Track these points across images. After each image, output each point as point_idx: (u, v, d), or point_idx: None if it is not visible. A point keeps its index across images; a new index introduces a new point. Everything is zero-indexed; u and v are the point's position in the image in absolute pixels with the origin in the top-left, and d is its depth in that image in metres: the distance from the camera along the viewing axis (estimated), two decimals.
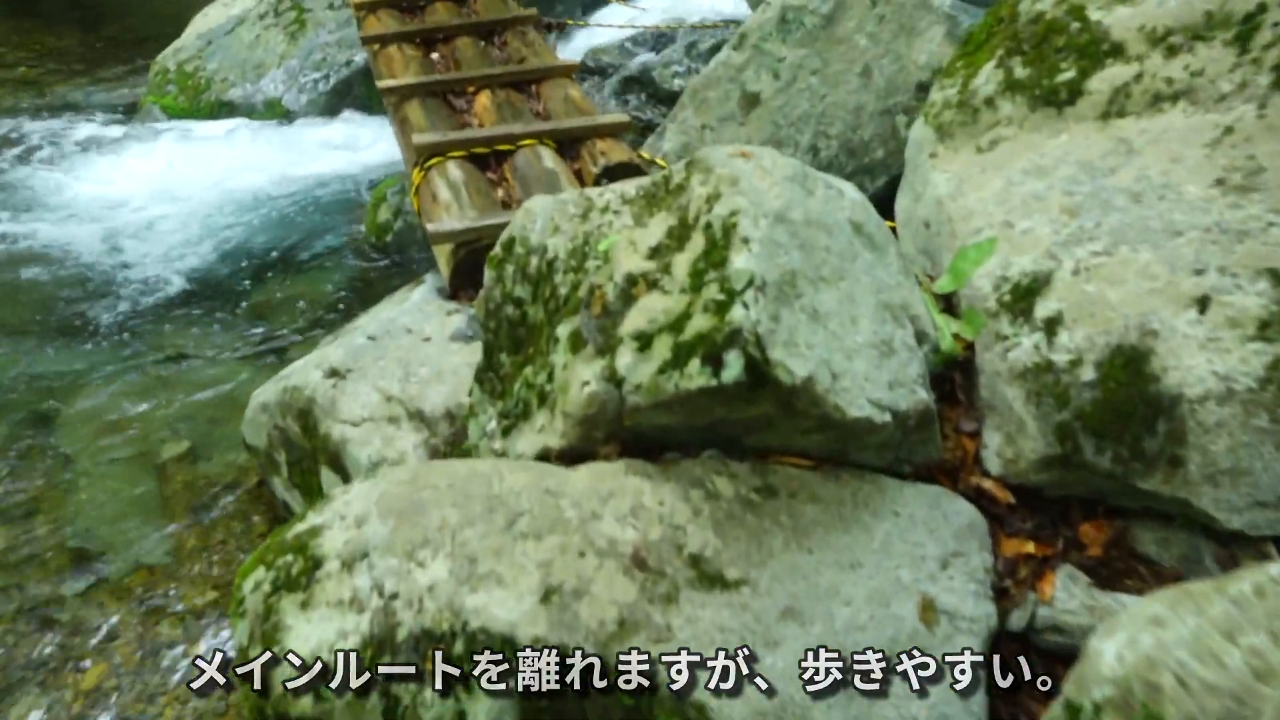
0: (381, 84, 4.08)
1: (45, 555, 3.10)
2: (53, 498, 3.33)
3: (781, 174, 2.08)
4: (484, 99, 4.05)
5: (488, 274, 2.22)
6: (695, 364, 1.78)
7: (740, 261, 1.86)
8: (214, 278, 4.57)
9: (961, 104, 2.60)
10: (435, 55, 4.58)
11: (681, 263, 1.99)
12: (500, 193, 3.51)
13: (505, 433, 2.08)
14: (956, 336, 2.24)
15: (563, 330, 2.05)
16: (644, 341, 1.89)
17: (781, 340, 1.81)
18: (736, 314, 1.78)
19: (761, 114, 3.70)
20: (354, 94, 6.13)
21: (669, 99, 4.98)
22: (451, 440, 2.51)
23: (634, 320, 1.94)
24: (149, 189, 5.17)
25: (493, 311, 2.20)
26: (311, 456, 2.74)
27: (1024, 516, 2.11)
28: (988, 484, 2.13)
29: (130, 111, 6.49)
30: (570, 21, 5.44)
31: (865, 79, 3.65)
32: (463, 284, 3.14)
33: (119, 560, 3.01)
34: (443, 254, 3.17)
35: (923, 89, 3.63)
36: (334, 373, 2.77)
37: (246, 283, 4.55)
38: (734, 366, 1.75)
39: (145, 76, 6.87)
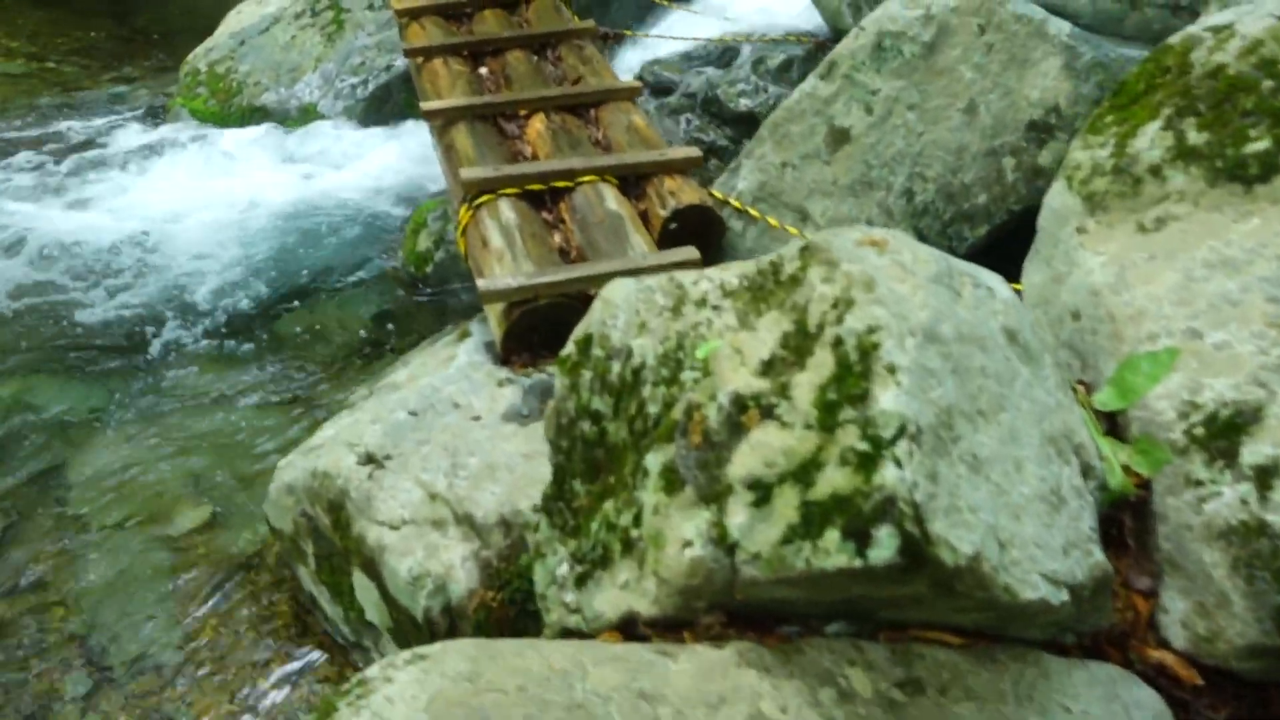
0: (426, 105, 3.71)
1: (48, 640, 2.78)
2: (59, 569, 3.00)
3: (925, 273, 1.69)
4: (537, 124, 3.67)
5: (559, 381, 1.84)
6: (833, 536, 1.40)
7: (887, 400, 1.48)
8: (238, 305, 4.23)
9: (1117, 170, 2.20)
10: (484, 70, 4.21)
11: (804, 387, 1.60)
12: (557, 238, 3.14)
13: (580, 582, 1.71)
14: (1128, 470, 1.84)
15: (653, 461, 1.67)
16: (761, 493, 1.52)
17: (942, 507, 1.43)
18: (888, 476, 1.40)
19: (851, 152, 3.30)
20: (394, 101, 5.77)
21: (734, 120, 4.58)
22: (507, 554, 2.15)
23: (746, 460, 1.56)
24: (172, 203, 4.83)
25: (565, 428, 1.82)
26: (343, 556, 2.39)
27: (1215, 703, 1.72)
28: (1169, 660, 1.73)
29: (158, 114, 6.17)
30: (629, 32, 5.05)
31: (969, 116, 3.24)
32: (517, 348, 2.78)
33: (127, 655, 2.67)
34: (494, 313, 2.81)
35: (1034, 128, 3.22)
36: (370, 459, 2.41)
37: (272, 312, 4.21)
38: (886, 546, 1.37)
39: (175, 75, 6.55)
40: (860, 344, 1.58)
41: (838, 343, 1.62)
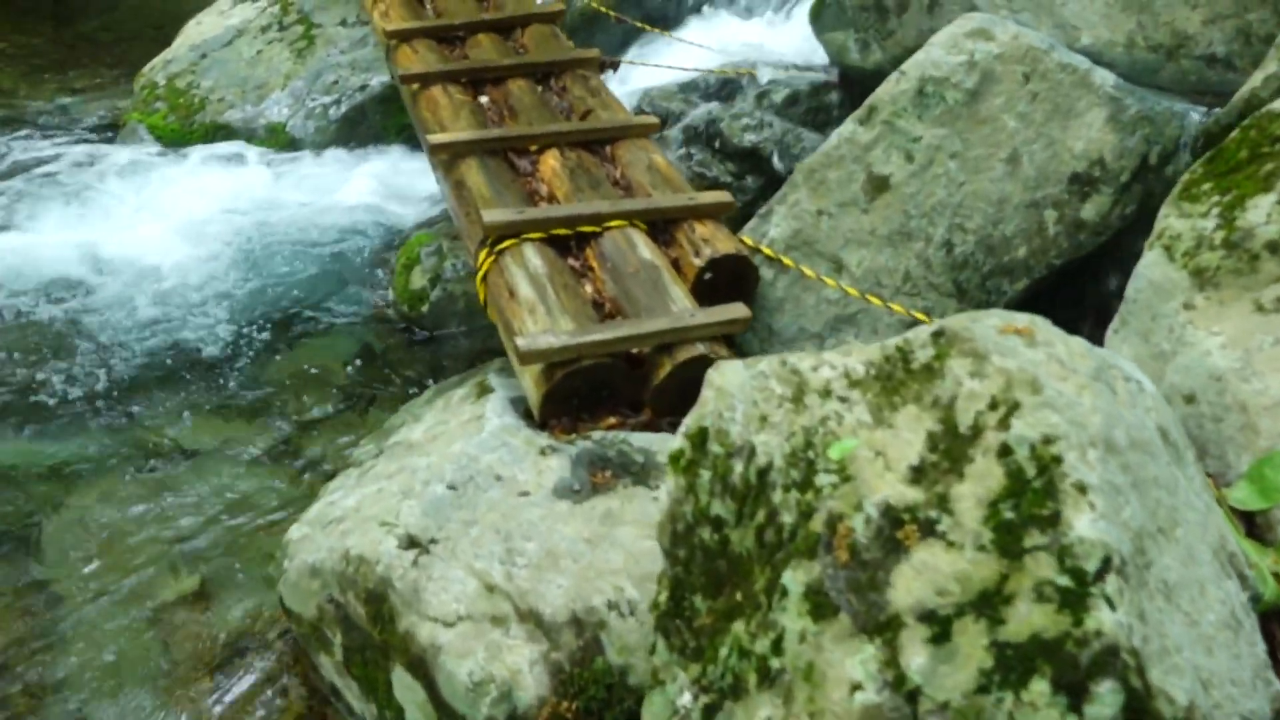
0: (433, 139, 3.48)
1: None
2: (35, 649, 2.69)
3: (1085, 369, 1.54)
4: (551, 161, 3.46)
5: (672, 481, 1.65)
6: (1041, 689, 1.24)
7: (1084, 526, 1.32)
8: (213, 349, 3.94)
9: (1229, 244, 2.08)
10: (485, 99, 3.99)
11: (968, 500, 1.44)
12: (589, 288, 2.94)
13: (707, 714, 1.52)
14: (1278, 577, 1.72)
15: (792, 579, 1.49)
16: (938, 628, 1.34)
17: (1155, 652, 1.27)
18: (1105, 620, 1.23)
19: (890, 201, 3.16)
20: (368, 122, 5.50)
21: (737, 155, 4.43)
22: (580, 657, 1.94)
23: (911, 586, 1.39)
24: (131, 232, 4.50)
25: (681, 535, 1.63)
26: (381, 650, 2.15)
27: None
28: None
29: (110, 130, 5.80)
30: (629, 61, 4.88)
31: (1011, 166, 3.13)
32: (556, 413, 2.57)
33: None
34: (532, 374, 2.60)
35: (1077, 181, 3.12)
36: (413, 542, 2.18)
37: (251, 356, 3.92)
38: (1108, 703, 1.21)
39: (128, 87, 6.18)
40: (1037, 455, 1.42)
41: (1005, 451, 1.46)
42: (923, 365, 1.64)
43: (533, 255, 2.95)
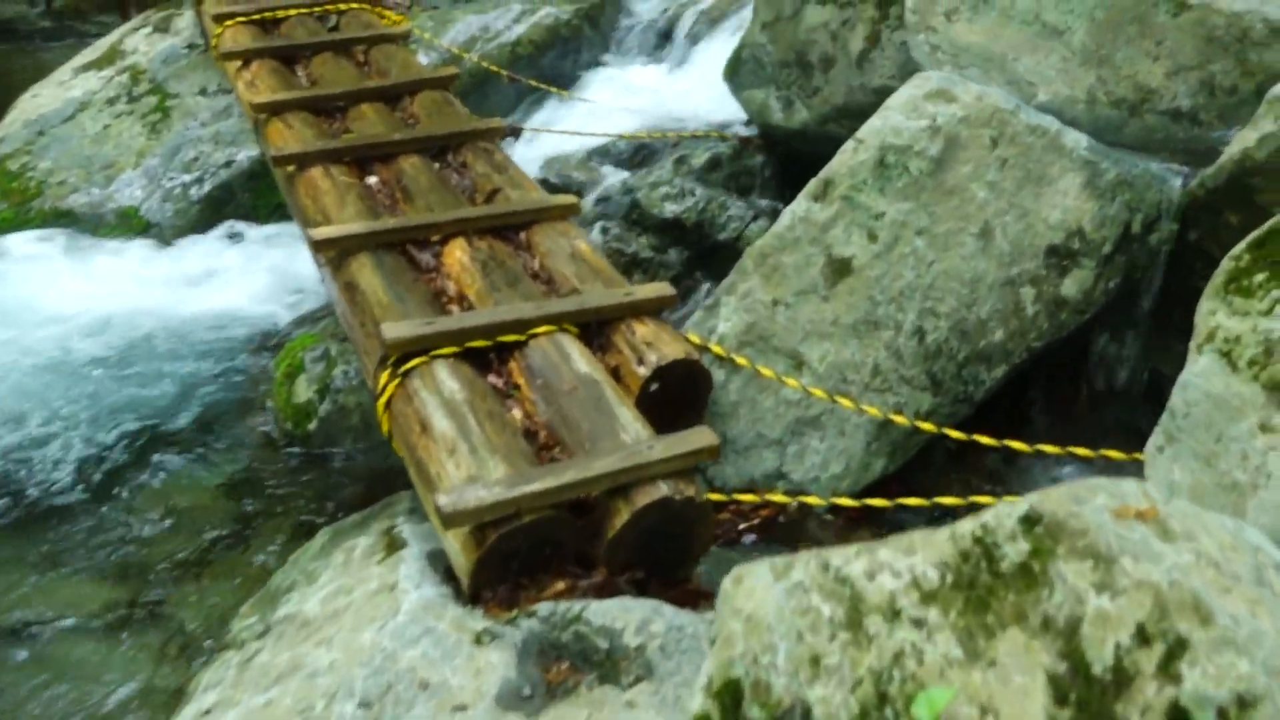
0: (316, 234, 2.95)
1: None
2: None
3: (1244, 570, 1.14)
4: (458, 253, 2.98)
5: None
6: None
7: None
8: (54, 490, 3.29)
9: None
10: (373, 179, 3.48)
11: None
12: (517, 412, 2.45)
13: None
14: None
15: None
16: None
17: None
18: None
19: (854, 286, 2.77)
20: (236, 202, 4.90)
21: (658, 228, 4.01)
22: None
23: None
24: None
25: None
26: None
27: None
28: None
29: None
30: (533, 129, 4.42)
31: (984, 241, 2.78)
32: (491, 581, 2.07)
33: None
34: (459, 537, 2.09)
35: (1055, 254, 2.79)
36: None
37: (102, 496, 3.28)
38: None
39: None
40: None
41: (1178, 713, 1.03)
42: (1016, 566, 1.22)
43: (447, 377, 2.45)
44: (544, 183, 4.29)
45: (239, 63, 4.32)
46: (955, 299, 2.78)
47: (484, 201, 3.34)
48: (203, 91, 5.21)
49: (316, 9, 4.86)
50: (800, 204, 2.80)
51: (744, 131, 4.31)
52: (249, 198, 4.89)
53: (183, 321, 4.12)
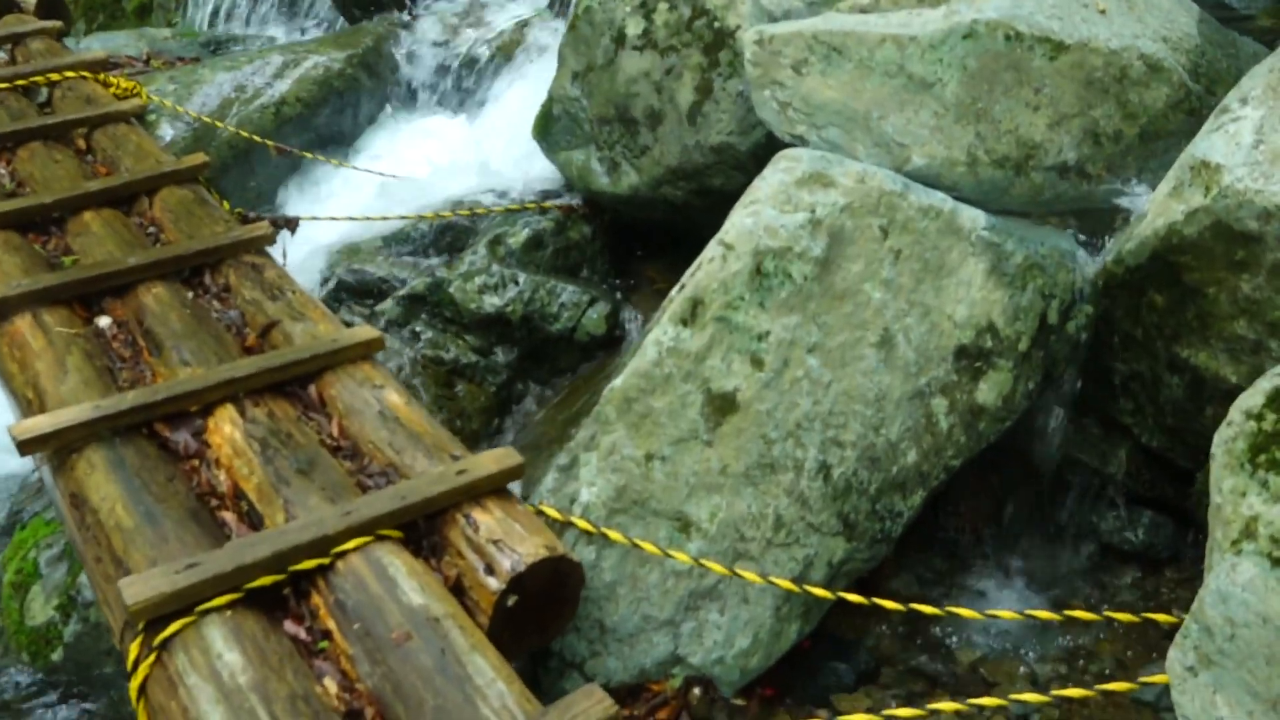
0: (23, 431, 2.17)
1: None
2: None
3: None
4: (226, 427, 2.27)
5: None
6: None
7: None
8: None
9: None
10: (105, 322, 2.69)
11: None
12: (331, 683, 1.78)
13: None
14: None
15: None
16: None
17: None
18: None
19: (741, 425, 2.24)
20: None
21: (480, 326, 3.38)
22: None
23: None
24: None
25: None
26: None
27: None
28: None
29: None
30: (311, 217, 3.65)
31: (885, 350, 2.32)
32: None
33: None
34: None
35: (965, 356, 2.36)
36: None
37: None
38: None
39: None
40: None
41: None
42: None
43: (224, 645, 1.75)
44: (334, 283, 3.58)
45: None
46: (860, 423, 2.30)
47: (257, 340, 2.63)
48: None
49: (21, 81, 3.94)
50: (665, 331, 2.25)
51: (564, 199, 3.72)
52: None
53: None
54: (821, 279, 2.28)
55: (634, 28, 3.57)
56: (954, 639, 2.41)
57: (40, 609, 2.61)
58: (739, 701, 2.32)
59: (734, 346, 2.24)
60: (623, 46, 3.58)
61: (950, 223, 2.36)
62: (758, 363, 2.24)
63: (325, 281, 3.57)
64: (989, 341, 2.35)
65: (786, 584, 2.14)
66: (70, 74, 4.01)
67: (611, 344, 3.44)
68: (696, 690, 2.30)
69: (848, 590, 2.24)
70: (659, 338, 2.23)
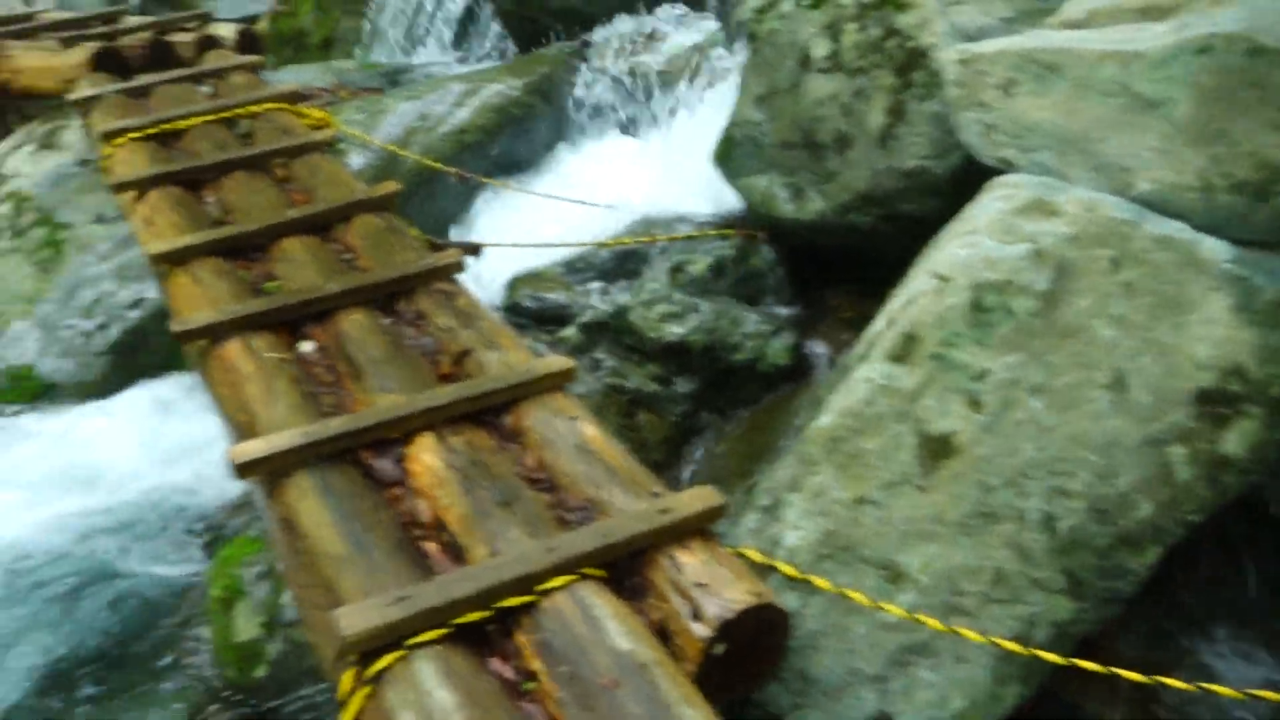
0: (241, 454, 2.23)
1: None
2: None
3: None
4: (427, 456, 2.27)
5: None
6: None
7: None
8: None
9: None
10: (307, 347, 2.76)
11: None
12: None
13: None
14: None
15: None
16: None
17: None
18: None
19: (958, 470, 2.11)
20: (149, 349, 4.14)
21: (662, 355, 3.34)
22: None
23: None
24: None
25: None
26: None
27: None
28: None
29: None
30: (493, 244, 3.70)
31: (1117, 393, 2.14)
32: None
33: None
34: None
35: (1208, 401, 2.15)
36: None
37: None
38: None
39: None
40: None
41: None
42: None
43: (435, 683, 1.74)
44: (515, 308, 3.61)
45: (133, 193, 3.58)
46: (1088, 471, 2.13)
47: (451, 368, 2.64)
48: (99, 218, 4.44)
49: (224, 114, 4.14)
50: (876, 368, 2.13)
51: (746, 226, 3.65)
52: (164, 341, 4.12)
53: (85, 518, 3.35)
54: (1046, 314, 2.13)
55: (820, 49, 3.48)
56: (1193, 710, 2.19)
57: (245, 627, 2.69)
58: None
59: (950, 386, 2.11)
60: (808, 69, 3.49)
61: (1189, 254, 2.17)
62: (976, 404, 2.11)
63: (507, 307, 3.60)
64: (1236, 385, 2.14)
65: (1012, 645, 1.98)
66: (268, 106, 4.18)
67: (795, 375, 3.34)
68: None
69: (1074, 653, 2.07)
70: (869, 375, 2.12)
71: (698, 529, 2.05)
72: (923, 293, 2.16)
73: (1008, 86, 2.69)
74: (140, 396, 3.98)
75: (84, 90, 4.45)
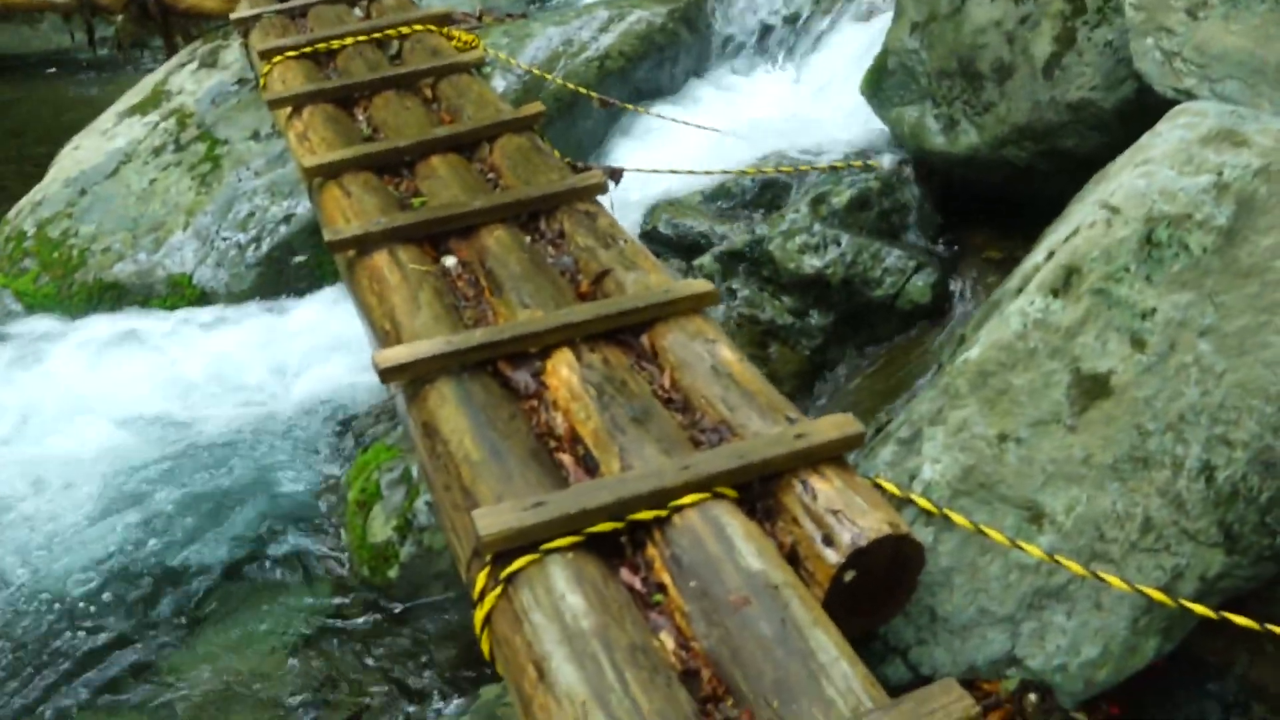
0: (384, 359, 2.29)
1: None
2: None
3: None
4: (564, 370, 2.29)
5: None
6: None
7: None
8: (81, 634, 2.73)
9: None
10: (450, 261, 2.81)
11: None
12: (667, 636, 1.75)
13: None
14: None
15: None
16: None
17: None
18: None
19: (1112, 412, 2.00)
20: (297, 263, 4.31)
21: (798, 287, 3.28)
22: None
23: None
24: None
25: None
26: None
27: None
28: None
29: None
30: (635, 169, 3.68)
31: None
32: None
33: None
34: None
35: None
36: None
37: (137, 647, 2.71)
38: None
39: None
40: None
41: None
42: None
43: (567, 588, 1.76)
44: (653, 235, 3.59)
45: (289, 110, 3.69)
46: (1256, 421, 1.99)
47: (590, 287, 2.65)
48: (255, 135, 4.61)
49: (376, 35, 4.21)
50: (1032, 301, 2.04)
51: (892, 159, 3.53)
52: (312, 257, 4.28)
53: (237, 420, 3.53)
54: (1223, 252, 1.99)
55: None
56: None
57: (379, 529, 2.79)
58: (1079, 716, 2.10)
59: (1112, 323, 2.00)
60: None
61: None
62: (1139, 343, 1.99)
63: (644, 233, 3.59)
64: None
65: (1158, 594, 1.89)
66: (418, 28, 4.23)
67: (934, 314, 3.24)
68: (1033, 696, 2.10)
69: (1223, 607, 1.96)
70: (1024, 308, 2.03)
71: (833, 456, 2.01)
72: (1088, 224, 2.04)
73: (1195, 10, 2.50)
74: (288, 307, 4.15)
75: (244, 10, 4.59)
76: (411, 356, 2.30)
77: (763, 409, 2.14)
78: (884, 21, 3.78)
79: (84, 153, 4.89)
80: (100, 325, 4.09)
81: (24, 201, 4.74)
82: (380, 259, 2.76)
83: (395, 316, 2.54)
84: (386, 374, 2.29)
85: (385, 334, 2.54)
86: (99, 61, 7.70)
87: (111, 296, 4.28)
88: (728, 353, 2.32)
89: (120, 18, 5.59)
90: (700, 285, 2.49)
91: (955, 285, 3.33)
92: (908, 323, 3.25)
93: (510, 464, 2.04)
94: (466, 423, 2.17)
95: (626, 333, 2.44)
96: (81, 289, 4.30)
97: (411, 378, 2.31)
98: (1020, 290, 2.11)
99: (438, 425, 2.20)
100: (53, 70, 7.83)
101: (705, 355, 2.31)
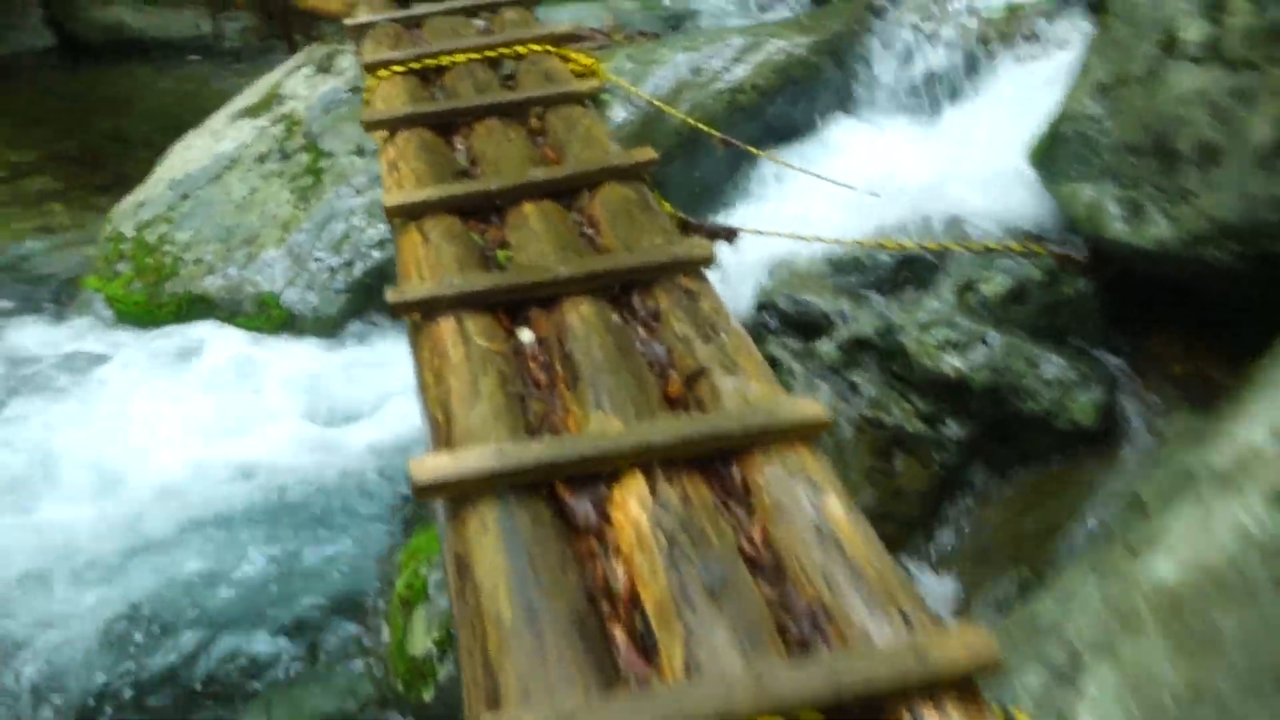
0: (418, 471, 1.93)
1: None
2: None
3: None
4: (633, 505, 1.89)
5: None
6: None
7: None
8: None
9: None
10: (527, 337, 2.44)
11: None
12: None
13: None
14: None
15: None
16: None
17: None
18: None
19: None
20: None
21: (933, 389, 2.79)
22: None
23: None
24: (25, 504, 3.08)
25: None
26: None
27: None
28: None
29: (65, 299, 4.44)
30: (754, 230, 3.22)
31: None
32: None
33: None
34: None
35: None
36: None
37: None
38: None
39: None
40: None
41: None
42: None
43: None
44: (767, 308, 3.14)
45: (384, 133, 3.39)
46: None
47: (680, 389, 2.24)
48: (359, 150, 4.36)
49: (489, 52, 3.88)
50: (1253, 512, 1.52)
51: (1060, 244, 3.00)
52: None
53: (300, 468, 3.26)
54: None
55: (1194, 32, 2.75)
56: None
57: (420, 638, 2.45)
58: None
59: None
60: (1173, 55, 2.78)
61: None
62: None
63: (760, 305, 3.15)
64: None
65: None
66: (536, 47, 3.89)
67: (1098, 439, 2.71)
68: None
69: None
70: (1241, 519, 1.51)
71: (958, 682, 1.54)
72: None
73: None
74: (373, 337, 3.88)
75: (360, 15, 4.33)
76: (455, 471, 1.93)
77: (872, 595, 1.68)
78: (1062, 62, 3.24)
79: (193, 153, 4.74)
80: (179, 344, 3.89)
81: (128, 202, 4.62)
82: (445, 328, 2.40)
83: (450, 405, 2.18)
84: (423, 491, 1.93)
85: (436, 425, 2.19)
86: (241, 52, 7.68)
87: (199, 309, 4.10)
88: (837, 506, 1.86)
89: (244, 12, 5.44)
90: (810, 409, 2.04)
91: (1126, 401, 2.79)
92: (1065, 444, 2.73)
93: (547, 639, 1.65)
94: (505, 565, 1.78)
95: (716, 459, 2.01)
96: (171, 299, 4.13)
97: (452, 496, 1.94)
98: (1231, 480, 1.60)
99: (472, 563, 1.82)
100: (196, 58, 7.84)
101: (809, 507, 1.86)
